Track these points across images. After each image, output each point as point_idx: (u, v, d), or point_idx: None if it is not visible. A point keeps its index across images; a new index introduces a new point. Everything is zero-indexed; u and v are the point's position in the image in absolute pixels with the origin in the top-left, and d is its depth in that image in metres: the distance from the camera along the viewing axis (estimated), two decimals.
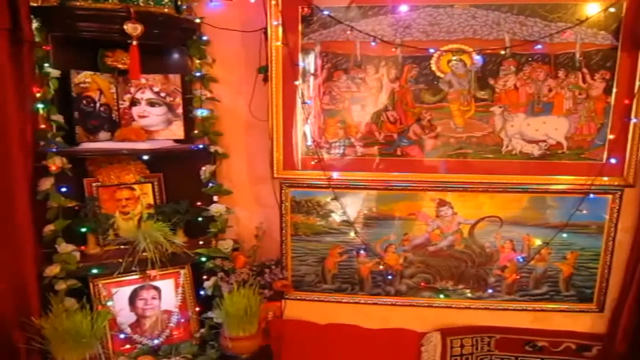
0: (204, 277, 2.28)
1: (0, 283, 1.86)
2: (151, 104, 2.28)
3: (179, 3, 2.18)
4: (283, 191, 2.31)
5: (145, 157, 2.31)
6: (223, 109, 2.37)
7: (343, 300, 2.41)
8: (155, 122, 2.30)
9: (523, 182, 2.16)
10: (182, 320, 2.27)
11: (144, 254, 2.09)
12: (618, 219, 2.17)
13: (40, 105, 1.98)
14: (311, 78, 2.19)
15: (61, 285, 1.99)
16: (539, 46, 2.04)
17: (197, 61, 2.26)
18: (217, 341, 2.21)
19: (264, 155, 2.28)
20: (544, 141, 2.12)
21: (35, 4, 1.94)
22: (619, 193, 2.14)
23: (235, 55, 2.33)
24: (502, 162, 2.15)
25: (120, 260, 2.08)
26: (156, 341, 2.21)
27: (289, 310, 2.43)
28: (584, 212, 2.16)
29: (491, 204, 2.23)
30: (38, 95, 1.98)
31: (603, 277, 2.24)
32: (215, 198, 2.32)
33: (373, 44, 2.11)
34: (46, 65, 2.00)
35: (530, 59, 2.06)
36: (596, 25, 2.00)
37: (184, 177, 2.36)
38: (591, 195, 2.14)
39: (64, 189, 2.04)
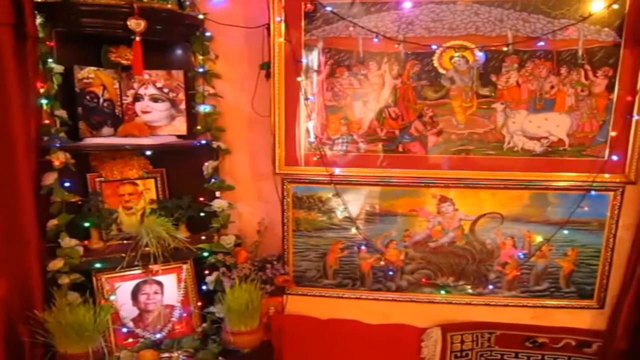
0: (206, 272, 2.29)
1: (2, 280, 1.87)
2: (154, 99, 2.29)
3: None
4: (285, 187, 2.32)
5: (148, 153, 2.32)
6: (226, 105, 2.38)
7: (344, 296, 2.42)
8: (158, 118, 2.31)
9: (524, 179, 2.16)
10: (184, 314, 2.28)
11: (147, 248, 2.10)
12: (619, 216, 2.17)
13: (44, 101, 1.99)
14: (314, 74, 2.20)
15: (64, 280, 2.00)
16: (542, 43, 2.03)
17: (200, 57, 2.26)
18: (219, 336, 2.22)
19: (266, 151, 2.29)
20: (546, 138, 2.12)
21: (39, 0, 1.94)
22: (621, 190, 2.14)
23: (238, 52, 2.34)
24: (503, 159, 2.15)
25: (123, 254, 2.09)
26: (158, 335, 2.22)
27: (290, 305, 2.44)
28: (585, 209, 2.17)
29: (492, 201, 2.24)
30: (42, 90, 1.98)
31: (604, 274, 2.24)
32: (217, 193, 2.33)
33: (375, 40, 2.11)
34: (50, 60, 2.00)
35: (532, 55, 2.06)
36: (599, 22, 1.99)
37: (186, 172, 2.37)
38: (592, 192, 2.14)
39: (67, 184, 2.05)
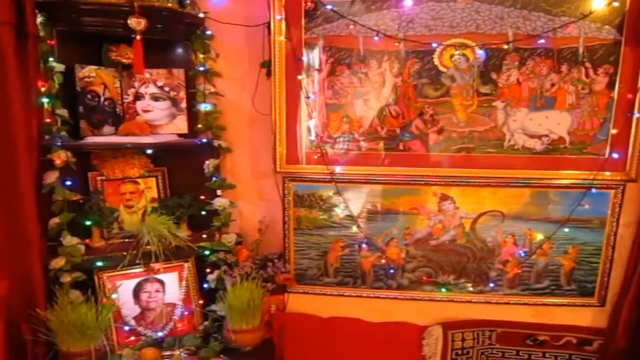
0: (208, 270, 2.30)
1: (4, 279, 1.88)
2: (155, 98, 2.29)
3: None
4: (286, 185, 2.32)
5: (149, 151, 2.32)
6: (226, 104, 2.38)
7: (345, 294, 2.42)
8: (159, 117, 2.31)
9: (525, 177, 2.16)
10: (186, 312, 2.29)
11: (148, 247, 2.11)
12: (620, 214, 2.17)
13: (45, 100, 2.00)
14: (314, 73, 2.20)
15: (66, 278, 2.01)
16: (542, 40, 2.03)
17: (201, 56, 2.27)
18: (221, 334, 2.23)
19: (267, 150, 2.29)
20: (547, 136, 2.12)
21: None
22: (621, 188, 2.14)
23: (238, 50, 2.34)
24: (504, 157, 2.15)
25: (125, 253, 2.10)
26: (160, 333, 2.23)
27: (291, 303, 2.44)
28: (586, 206, 2.17)
29: (493, 199, 2.23)
30: (43, 89, 1.99)
31: (604, 271, 2.24)
32: (218, 192, 2.33)
33: (376, 38, 2.11)
34: (51, 59, 2.01)
35: (533, 53, 2.06)
36: (600, 19, 1.99)
37: (187, 171, 2.37)
38: (593, 190, 2.14)
39: (68, 183, 2.06)
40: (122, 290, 2.17)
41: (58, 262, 1.99)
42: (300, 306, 2.44)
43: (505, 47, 2.06)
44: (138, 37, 2.05)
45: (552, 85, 2.08)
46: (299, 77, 2.17)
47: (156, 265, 2.18)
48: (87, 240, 2.14)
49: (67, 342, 1.92)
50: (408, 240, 2.33)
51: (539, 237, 2.24)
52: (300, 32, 2.15)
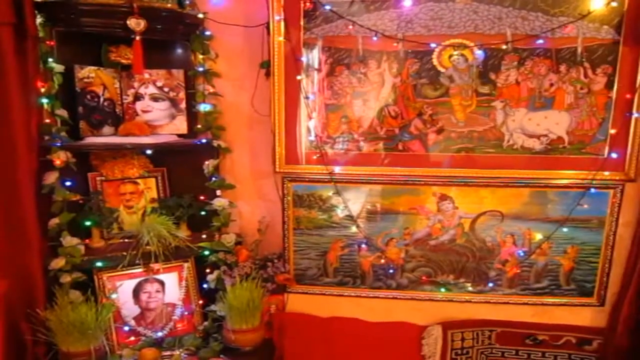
0: (207, 270, 2.30)
1: (4, 279, 1.88)
2: (154, 98, 2.30)
3: None
4: (285, 185, 2.32)
5: (149, 152, 2.32)
6: (226, 104, 2.38)
7: (345, 294, 2.42)
8: (159, 117, 2.31)
9: (524, 177, 2.17)
10: (186, 313, 2.29)
11: (148, 247, 2.11)
12: (619, 214, 2.17)
13: (44, 100, 2.00)
14: (314, 73, 2.20)
15: (66, 278, 2.01)
16: (541, 41, 2.04)
17: (200, 56, 2.27)
18: (220, 334, 2.23)
19: (267, 150, 2.30)
20: (545, 136, 2.12)
21: None
22: (620, 188, 2.14)
23: (238, 50, 2.34)
24: (503, 157, 2.15)
25: (124, 253, 2.10)
26: (160, 333, 2.23)
27: (291, 303, 2.45)
28: (585, 206, 2.17)
29: (492, 199, 2.24)
30: (42, 90, 2.00)
31: (604, 271, 2.24)
32: (218, 192, 2.34)
33: (375, 38, 2.11)
34: (50, 60, 2.01)
35: (532, 53, 2.06)
36: (598, 19, 1.99)
37: (187, 171, 2.38)
38: (592, 190, 2.14)
39: (68, 183, 2.06)
40: (122, 290, 2.17)
41: (58, 263, 2.00)
42: (300, 306, 2.44)
43: (504, 47, 2.06)
44: (137, 37, 2.05)
45: (551, 85, 2.08)
46: (298, 77, 2.18)
47: (156, 266, 2.19)
48: (87, 241, 2.15)
49: (67, 342, 1.92)
50: (407, 240, 2.33)
51: (538, 237, 2.25)
52: (300, 32, 2.16)
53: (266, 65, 2.23)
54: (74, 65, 2.12)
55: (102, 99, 2.21)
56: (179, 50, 2.34)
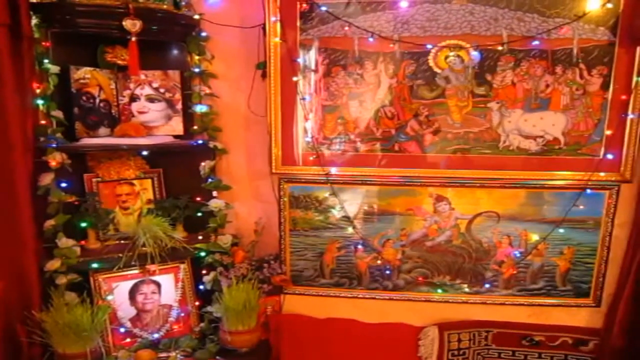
0: (204, 271, 2.29)
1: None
2: (150, 99, 2.29)
3: None
4: (281, 187, 2.32)
5: (145, 153, 2.32)
6: (222, 105, 2.38)
7: (341, 295, 2.42)
8: (155, 118, 2.31)
9: (520, 178, 2.17)
10: (182, 314, 2.29)
11: (144, 248, 2.11)
12: (615, 215, 2.17)
13: (40, 101, 2.00)
14: (310, 74, 2.20)
15: (62, 280, 2.00)
16: (537, 42, 2.04)
17: (196, 57, 2.27)
18: (217, 335, 2.22)
19: (263, 151, 2.29)
20: (541, 137, 2.13)
21: (34, 0, 1.94)
22: (616, 188, 2.15)
23: (234, 52, 2.34)
24: (499, 158, 2.16)
25: (120, 255, 2.10)
26: (156, 335, 2.22)
27: (287, 304, 2.44)
28: (581, 207, 2.17)
29: (488, 200, 2.24)
30: (38, 91, 1.99)
31: (600, 272, 2.25)
32: (214, 193, 2.33)
33: (371, 40, 2.11)
34: (46, 61, 2.01)
35: (527, 54, 2.06)
36: (594, 20, 2.00)
37: (183, 172, 2.37)
38: (588, 191, 2.15)
39: (64, 184, 2.05)
40: (118, 291, 2.17)
41: (53, 264, 1.99)
42: (297, 307, 2.44)
43: (500, 48, 2.06)
44: (133, 38, 2.05)
45: (547, 86, 2.08)
46: (295, 78, 2.18)
47: (152, 267, 2.18)
48: (83, 242, 2.14)
49: (63, 344, 1.92)
50: (404, 241, 2.33)
51: (534, 237, 2.25)
52: (296, 33, 2.16)
53: (262, 67, 2.23)
54: (70, 66, 2.11)
55: (97, 100, 2.20)
56: (175, 51, 2.33)
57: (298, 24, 2.15)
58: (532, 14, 2.02)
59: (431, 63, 2.12)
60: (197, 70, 2.27)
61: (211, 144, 2.30)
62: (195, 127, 2.31)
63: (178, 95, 2.32)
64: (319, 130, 2.24)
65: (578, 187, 2.15)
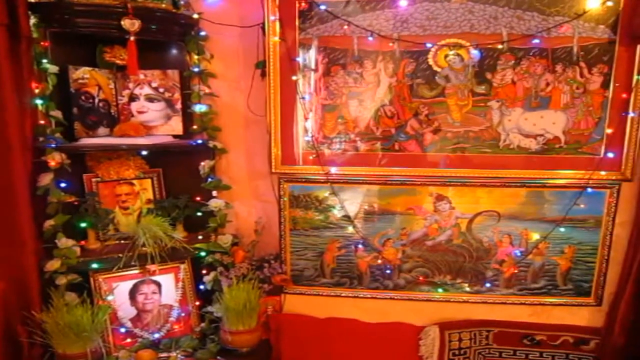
0: (204, 271, 2.29)
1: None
2: (150, 99, 2.29)
3: None
4: (281, 186, 2.32)
5: (145, 153, 2.31)
6: (221, 105, 2.37)
7: (342, 295, 2.42)
8: (154, 118, 2.30)
9: (521, 177, 2.16)
10: (182, 314, 2.29)
11: (144, 248, 2.10)
12: (615, 213, 2.17)
13: (38, 101, 1.99)
14: (310, 73, 2.19)
15: (62, 280, 2.00)
16: (537, 40, 2.03)
17: (196, 57, 2.26)
18: (217, 335, 2.22)
19: (263, 151, 2.29)
20: (542, 135, 2.12)
21: (33, 0, 1.93)
22: (617, 187, 2.14)
23: (233, 51, 2.33)
24: (499, 157, 2.15)
25: (120, 255, 2.09)
26: (156, 335, 2.22)
27: (288, 304, 2.44)
28: (582, 206, 2.17)
29: (489, 199, 2.23)
30: (37, 91, 1.99)
31: (600, 271, 2.24)
32: (214, 193, 2.33)
33: (370, 38, 2.11)
34: (44, 61, 2.00)
35: (527, 53, 2.06)
36: (594, 19, 1.99)
37: (183, 172, 2.36)
38: (589, 190, 2.14)
39: (63, 185, 2.05)
40: (118, 292, 2.17)
41: (53, 264, 1.99)
42: (297, 307, 2.44)
43: (500, 47, 2.06)
44: (132, 38, 2.04)
45: (547, 84, 2.08)
46: (294, 77, 2.17)
47: (152, 267, 2.18)
48: (83, 242, 2.14)
49: (63, 344, 1.92)
50: (404, 241, 2.33)
51: (535, 236, 2.24)
52: (295, 32, 2.15)
53: (262, 66, 2.22)
54: (69, 66, 2.11)
55: (97, 100, 2.20)
56: (174, 51, 2.33)
57: (297, 23, 2.14)
58: (532, 12, 2.01)
59: (431, 62, 2.12)
60: (196, 69, 2.27)
61: (211, 144, 2.29)
62: (195, 127, 2.31)
63: (177, 95, 2.31)
64: (318, 129, 2.24)
65: (579, 186, 2.14)
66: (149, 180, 2.34)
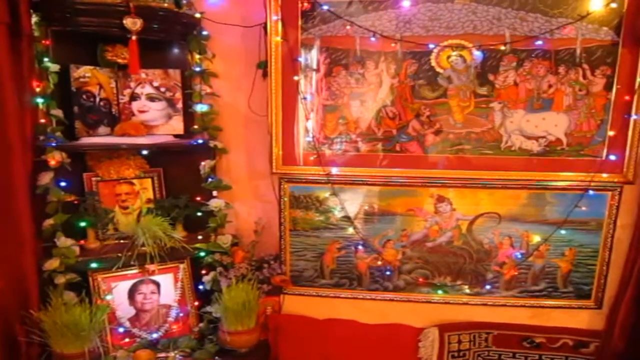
0: (203, 271, 2.29)
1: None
2: (151, 98, 2.28)
3: None
4: (282, 186, 2.31)
5: (145, 152, 2.31)
6: (223, 104, 2.37)
7: (341, 296, 2.41)
8: (155, 117, 2.30)
9: (522, 179, 2.16)
10: (181, 314, 2.28)
11: (143, 248, 2.10)
12: (617, 216, 2.16)
13: (39, 100, 1.99)
14: (311, 73, 2.19)
15: (60, 279, 2.00)
16: (540, 42, 2.03)
17: (197, 56, 2.26)
18: (216, 335, 2.22)
19: (264, 151, 2.29)
20: (544, 137, 2.12)
21: None
22: (619, 190, 2.13)
23: (235, 51, 2.33)
24: (501, 159, 2.14)
25: (120, 254, 2.09)
26: (155, 335, 2.22)
27: (287, 305, 2.44)
28: (583, 208, 2.16)
29: (490, 200, 2.23)
30: (37, 89, 1.98)
31: (601, 274, 2.23)
32: (214, 193, 2.32)
33: (373, 39, 2.10)
34: (46, 59, 2.00)
35: (530, 54, 2.05)
36: (597, 20, 1.99)
37: (183, 172, 2.36)
38: (590, 192, 2.13)
39: (63, 184, 2.05)
40: (117, 291, 2.16)
41: (52, 264, 1.98)
42: (296, 308, 2.43)
43: (503, 48, 2.05)
44: (134, 37, 2.03)
45: (550, 86, 2.07)
46: (296, 77, 2.17)
47: (151, 267, 2.17)
48: (82, 242, 2.13)
49: (61, 343, 1.91)
50: (404, 242, 2.32)
51: (536, 239, 2.24)
52: (297, 32, 2.15)
53: (263, 66, 2.22)
54: (70, 64, 2.10)
55: (98, 99, 2.19)
56: (176, 50, 2.32)
57: (299, 23, 2.14)
58: (535, 14, 2.01)
59: (433, 63, 2.11)
60: (197, 69, 2.26)
61: (211, 144, 2.29)
62: (196, 127, 2.30)
63: (178, 95, 2.31)
64: (319, 130, 2.23)
65: (580, 188, 2.14)
66: (149, 180, 2.33)
